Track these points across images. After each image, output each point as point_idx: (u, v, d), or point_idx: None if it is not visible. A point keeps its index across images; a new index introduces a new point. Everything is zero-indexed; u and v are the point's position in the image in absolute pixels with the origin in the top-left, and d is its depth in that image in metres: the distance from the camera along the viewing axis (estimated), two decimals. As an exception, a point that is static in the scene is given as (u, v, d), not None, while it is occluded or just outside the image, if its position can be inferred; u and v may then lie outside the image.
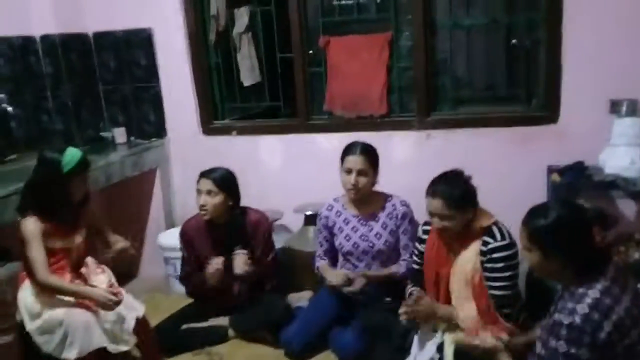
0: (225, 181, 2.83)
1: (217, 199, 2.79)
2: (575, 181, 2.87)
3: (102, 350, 2.36)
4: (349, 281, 2.69)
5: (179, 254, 3.02)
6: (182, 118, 3.74)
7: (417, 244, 2.54)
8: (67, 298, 2.35)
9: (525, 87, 3.35)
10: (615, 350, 1.60)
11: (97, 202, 3.27)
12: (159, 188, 3.79)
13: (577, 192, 2.75)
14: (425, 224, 2.48)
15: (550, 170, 3.05)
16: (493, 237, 2.25)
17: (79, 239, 2.50)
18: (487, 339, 2.02)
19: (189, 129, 3.75)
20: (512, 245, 2.25)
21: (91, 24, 3.68)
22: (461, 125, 3.31)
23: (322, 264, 2.90)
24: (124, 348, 2.43)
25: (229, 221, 2.89)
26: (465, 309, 2.27)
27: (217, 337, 2.87)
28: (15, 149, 3.30)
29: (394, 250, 2.81)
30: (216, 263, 2.79)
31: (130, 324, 2.46)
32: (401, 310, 2.28)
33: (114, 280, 2.59)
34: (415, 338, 2.31)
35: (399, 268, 2.77)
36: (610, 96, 2.92)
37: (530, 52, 3.29)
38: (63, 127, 3.58)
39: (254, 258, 2.85)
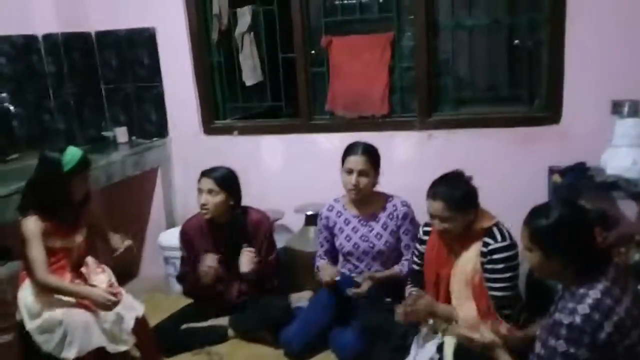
0: (226, 180, 2.83)
1: (218, 198, 2.79)
2: (576, 182, 2.86)
3: (102, 350, 2.36)
4: (357, 284, 2.68)
5: (180, 254, 3.02)
6: (184, 118, 3.74)
7: (417, 245, 2.54)
8: (66, 298, 2.35)
9: (528, 88, 3.34)
10: (615, 350, 1.60)
11: (98, 202, 3.28)
12: (160, 188, 3.79)
13: (578, 193, 2.74)
14: (426, 224, 2.48)
15: (552, 171, 3.04)
16: (494, 238, 2.25)
17: (79, 238, 2.51)
18: (485, 333, 2.00)
19: (190, 129, 3.75)
20: (512, 246, 2.25)
21: (94, 23, 3.69)
22: (463, 126, 3.31)
23: (321, 263, 2.90)
24: (123, 348, 2.43)
25: (230, 221, 2.89)
26: (465, 309, 2.27)
27: (217, 337, 2.86)
28: (16, 148, 3.30)
29: (394, 251, 2.80)
30: (210, 261, 2.78)
31: (130, 324, 2.46)
32: (400, 309, 2.27)
33: (114, 279, 2.59)
34: (415, 338, 2.31)
35: (402, 268, 2.76)
36: (613, 97, 2.91)
37: (533, 53, 3.28)
38: (65, 127, 3.59)
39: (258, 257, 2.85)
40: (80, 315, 2.32)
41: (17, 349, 2.43)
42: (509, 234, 2.28)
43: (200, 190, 2.82)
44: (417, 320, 2.30)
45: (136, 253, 2.75)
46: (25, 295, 2.38)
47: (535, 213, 1.77)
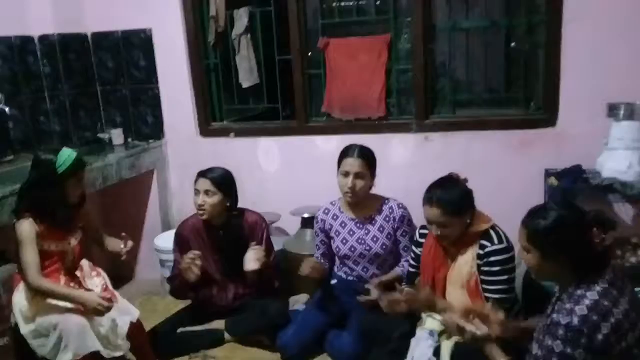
0: (223, 181, 2.82)
1: (215, 198, 2.79)
2: (572, 185, 2.86)
3: (97, 355, 2.34)
4: (366, 291, 2.67)
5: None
6: (180, 119, 3.74)
7: (413, 247, 2.54)
8: (61, 303, 2.33)
9: (524, 90, 3.34)
10: (612, 352, 1.60)
11: (94, 204, 3.26)
12: (155, 190, 3.78)
13: (574, 196, 2.74)
14: (423, 227, 2.48)
15: (548, 173, 3.05)
16: (490, 240, 2.25)
17: (74, 241, 2.50)
18: (481, 326, 1.99)
19: (186, 131, 3.75)
20: (509, 249, 2.25)
21: (90, 24, 3.68)
22: (459, 128, 3.31)
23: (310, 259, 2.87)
24: (117, 353, 2.42)
25: (226, 222, 2.88)
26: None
27: (213, 340, 2.85)
28: (12, 150, 3.30)
29: (390, 253, 2.80)
30: (193, 255, 2.74)
31: (124, 328, 2.45)
32: (402, 297, 2.27)
33: (109, 283, 2.58)
34: (412, 341, 2.30)
35: (403, 269, 2.76)
36: (608, 100, 2.91)
37: (529, 56, 3.28)
38: (60, 128, 3.58)
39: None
40: (75, 319, 2.31)
41: (11, 353, 2.43)
42: (505, 236, 2.28)
43: (197, 191, 2.81)
44: (403, 311, 2.31)
45: (132, 255, 2.73)
46: (20, 298, 2.37)
47: (534, 214, 1.77)
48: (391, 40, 3.35)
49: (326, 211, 2.89)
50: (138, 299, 3.36)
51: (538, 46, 3.23)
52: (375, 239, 2.77)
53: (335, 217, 2.86)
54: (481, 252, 2.25)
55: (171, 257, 3.03)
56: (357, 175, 2.69)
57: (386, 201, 2.82)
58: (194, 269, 2.73)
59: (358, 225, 2.81)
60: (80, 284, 2.47)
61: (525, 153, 3.18)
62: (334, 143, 3.24)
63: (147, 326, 2.74)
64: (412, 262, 2.55)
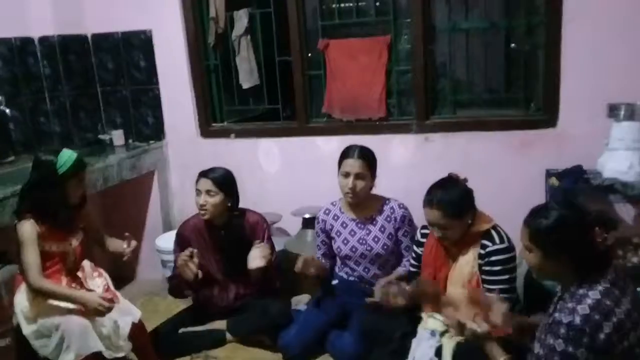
0: (224, 181, 2.83)
1: (217, 198, 2.79)
2: (573, 185, 2.87)
3: (99, 355, 2.34)
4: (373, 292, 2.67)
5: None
6: (181, 120, 3.74)
7: (414, 247, 2.55)
8: (62, 304, 2.33)
9: (524, 91, 3.34)
10: (614, 352, 1.60)
11: (95, 205, 3.27)
12: (156, 191, 3.79)
13: (575, 196, 2.74)
14: (424, 227, 2.48)
15: (549, 174, 3.05)
16: (492, 240, 2.26)
17: (75, 242, 2.50)
18: (483, 324, 1.99)
19: (187, 132, 3.75)
20: (510, 248, 2.25)
21: (90, 25, 3.69)
22: (460, 129, 3.31)
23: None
24: (120, 354, 2.42)
25: (227, 222, 2.89)
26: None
27: (215, 340, 2.85)
28: (13, 151, 3.30)
29: (392, 254, 2.80)
30: (188, 252, 2.74)
31: (126, 329, 2.45)
32: (409, 287, 2.28)
33: (110, 283, 2.58)
34: (414, 342, 2.31)
35: (405, 269, 2.75)
36: (609, 100, 2.91)
37: (529, 56, 3.29)
38: (61, 130, 3.58)
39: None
40: (77, 320, 2.31)
41: (13, 353, 2.42)
42: (506, 236, 2.28)
43: (198, 191, 2.81)
44: (400, 305, 2.32)
45: (133, 256, 2.73)
46: (22, 299, 2.37)
47: (536, 213, 1.77)
48: (391, 41, 3.35)
49: (327, 212, 2.89)
50: (139, 299, 3.36)
51: (538, 47, 3.23)
52: (376, 239, 2.77)
53: (336, 217, 2.86)
54: (482, 251, 2.25)
55: (172, 257, 3.03)
56: (357, 176, 2.69)
57: (387, 201, 2.82)
58: (191, 266, 2.73)
59: (359, 225, 2.81)
60: (81, 285, 2.47)
61: (525, 154, 3.18)
62: (335, 144, 3.24)
63: (149, 327, 2.74)
64: (413, 261, 2.55)
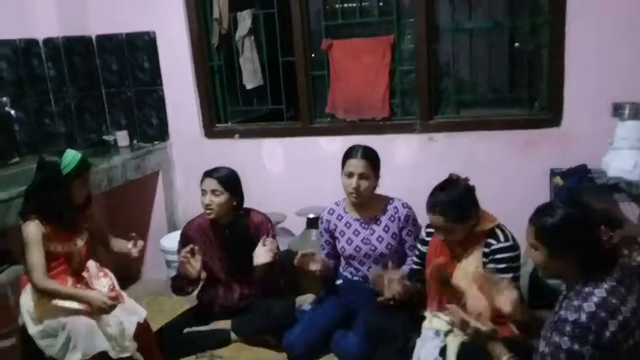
0: (229, 180, 2.83)
1: (222, 198, 2.80)
2: (578, 184, 2.86)
3: (105, 355, 2.35)
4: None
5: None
6: (185, 121, 3.75)
7: (419, 245, 2.55)
8: (67, 304, 2.33)
9: (528, 90, 3.34)
10: (619, 350, 1.59)
11: (100, 206, 3.28)
12: (161, 191, 3.80)
13: (580, 195, 2.74)
14: (429, 225, 2.48)
15: (553, 173, 3.05)
16: (496, 238, 2.26)
17: (80, 242, 2.50)
18: (488, 324, 1.99)
19: (191, 132, 3.76)
20: (515, 247, 2.25)
21: (94, 27, 3.70)
22: (464, 128, 3.31)
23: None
24: (125, 354, 2.42)
25: (232, 221, 2.89)
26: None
27: (220, 340, 2.85)
28: (18, 152, 3.31)
29: (396, 253, 2.80)
30: (189, 248, 2.74)
31: (131, 329, 2.45)
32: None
33: (116, 283, 2.59)
34: (418, 341, 2.31)
35: (409, 268, 2.75)
36: (613, 99, 2.91)
37: (533, 56, 3.28)
38: (65, 131, 3.59)
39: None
40: (83, 320, 2.32)
41: (20, 353, 2.43)
42: (511, 235, 2.28)
43: (204, 191, 2.82)
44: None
45: (139, 256, 2.74)
46: (27, 299, 2.38)
47: (541, 211, 1.77)
48: (394, 41, 3.35)
49: (331, 212, 2.89)
50: (145, 299, 3.37)
51: (542, 46, 3.23)
52: (380, 239, 2.77)
53: (340, 217, 2.86)
54: (487, 250, 2.25)
55: (177, 257, 3.03)
56: (361, 176, 2.70)
57: (391, 201, 2.82)
58: (193, 263, 2.73)
59: (363, 225, 2.81)
60: (87, 285, 2.47)
61: (529, 153, 3.18)
62: (338, 144, 3.24)
63: (154, 326, 2.75)
64: (416, 259, 2.55)
